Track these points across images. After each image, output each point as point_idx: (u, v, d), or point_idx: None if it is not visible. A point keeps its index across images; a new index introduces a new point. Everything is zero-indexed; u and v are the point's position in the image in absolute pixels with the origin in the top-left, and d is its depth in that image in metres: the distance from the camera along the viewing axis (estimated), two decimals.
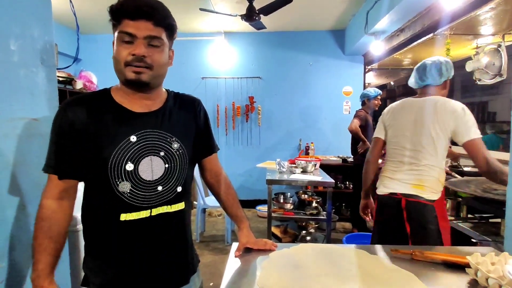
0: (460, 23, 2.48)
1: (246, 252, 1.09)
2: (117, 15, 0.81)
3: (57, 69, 1.76)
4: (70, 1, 1.41)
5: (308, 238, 3.12)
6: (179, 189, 0.92)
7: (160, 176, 0.87)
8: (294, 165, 3.10)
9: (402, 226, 1.55)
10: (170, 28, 0.85)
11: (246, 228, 1.12)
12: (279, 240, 3.18)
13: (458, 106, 1.49)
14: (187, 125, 0.97)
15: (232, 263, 1.02)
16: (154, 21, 0.80)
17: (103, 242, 0.88)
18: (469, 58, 2.67)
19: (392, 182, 1.61)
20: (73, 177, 0.85)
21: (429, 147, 1.52)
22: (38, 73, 1.14)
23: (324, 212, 2.79)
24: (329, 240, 2.71)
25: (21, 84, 1.08)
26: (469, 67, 2.64)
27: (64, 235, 0.87)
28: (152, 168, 0.86)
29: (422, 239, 1.50)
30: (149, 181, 0.86)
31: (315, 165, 3.08)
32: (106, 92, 0.89)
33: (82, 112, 0.82)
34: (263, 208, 4.20)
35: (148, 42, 0.81)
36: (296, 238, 3.18)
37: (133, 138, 0.84)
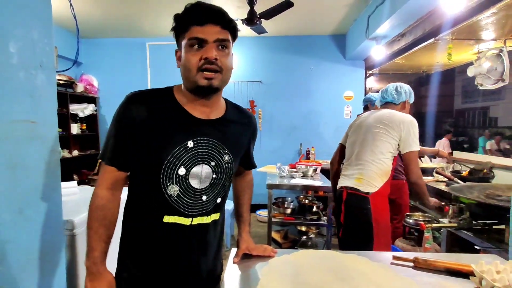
0: (461, 28, 2.48)
1: (245, 258, 1.07)
2: (184, 22, 0.81)
3: (57, 72, 1.76)
4: (71, 5, 1.41)
5: (309, 243, 3.09)
6: (219, 200, 0.93)
7: (207, 186, 0.88)
8: (294, 170, 3.08)
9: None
10: (234, 31, 0.86)
11: (246, 232, 1.11)
12: (279, 245, 3.15)
13: (407, 117, 1.67)
14: (241, 140, 0.98)
15: (231, 270, 1.00)
16: (222, 25, 0.82)
17: (141, 239, 0.89)
18: (471, 63, 2.66)
19: (343, 178, 1.80)
20: (127, 169, 0.87)
21: (371, 145, 1.70)
22: (37, 76, 1.13)
23: (325, 217, 2.77)
24: (329, 245, 2.68)
25: (20, 86, 1.08)
26: (470, 72, 2.63)
27: (115, 223, 0.89)
28: (201, 176, 0.86)
29: (353, 230, 1.68)
30: (196, 188, 0.86)
31: (316, 169, 3.06)
32: (169, 92, 0.89)
33: (145, 109, 0.83)
34: (263, 213, 4.17)
35: (218, 45, 0.81)
36: (296, 243, 3.16)
37: (190, 144, 0.84)
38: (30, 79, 1.11)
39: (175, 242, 0.88)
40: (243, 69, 4.67)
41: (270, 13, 2.94)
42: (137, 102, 0.84)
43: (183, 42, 0.82)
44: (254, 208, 4.43)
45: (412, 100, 1.86)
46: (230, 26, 0.84)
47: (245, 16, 3.05)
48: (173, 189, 0.84)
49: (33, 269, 1.09)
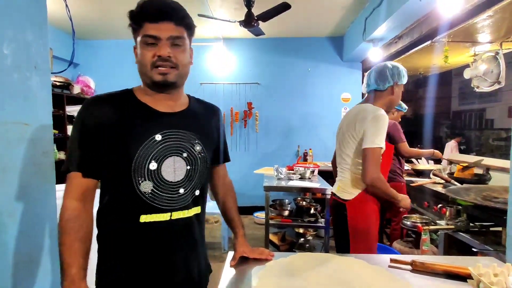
0: (458, 30, 2.49)
1: (242, 261, 1.06)
2: (138, 19, 0.81)
3: (53, 73, 1.75)
4: (66, 5, 1.40)
5: (307, 245, 3.08)
6: (197, 192, 0.91)
7: (182, 178, 0.86)
8: (292, 172, 3.08)
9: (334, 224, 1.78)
10: (190, 27, 0.86)
11: (241, 236, 1.10)
12: (276, 247, 3.14)
13: (370, 113, 1.50)
14: (210, 130, 0.97)
15: (228, 273, 0.99)
16: (175, 21, 0.81)
17: (119, 245, 0.85)
18: (467, 66, 2.67)
19: (335, 184, 1.80)
20: (96, 176, 0.83)
21: (340, 151, 1.67)
22: (31, 78, 1.12)
23: (322, 219, 2.76)
24: (327, 247, 2.67)
25: (14, 88, 1.06)
26: (467, 74, 2.65)
27: (91, 236, 0.84)
28: (174, 169, 0.85)
29: (336, 235, 1.74)
30: (171, 182, 0.84)
31: (313, 171, 3.05)
32: (129, 92, 0.89)
33: (106, 110, 0.82)
34: (260, 215, 4.15)
35: (172, 42, 0.82)
36: (294, 246, 3.14)
37: (158, 137, 0.83)
38: (24, 81, 1.09)
39: (156, 242, 0.85)
40: (241, 71, 4.67)
41: (267, 15, 2.94)
42: (98, 104, 0.83)
43: (138, 39, 0.83)
44: (251, 210, 4.41)
45: (403, 80, 1.58)
46: (184, 22, 0.84)
47: (242, 18, 3.05)
48: (146, 186, 0.82)
49: (23, 274, 1.07)
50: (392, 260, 1.06)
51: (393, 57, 3.62)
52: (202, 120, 0.95)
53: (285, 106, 4.65)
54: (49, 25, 1.21)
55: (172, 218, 0.85)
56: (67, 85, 4.05)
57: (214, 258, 3.09)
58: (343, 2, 3.37)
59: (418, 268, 1.00)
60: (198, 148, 0.89)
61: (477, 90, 2.69)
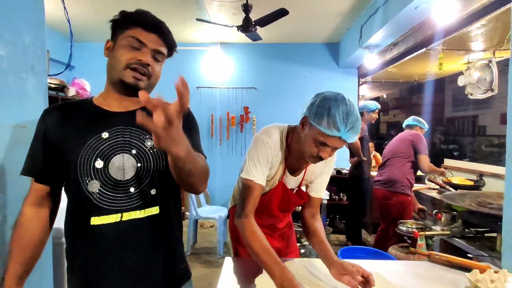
0: (452, 38, 2.53)
1: (238, 265, 1.05)
2: (132, 20, 0.84)
3: (49, 75, 1.73)
4: (65, 8, 1.39)
5: (302, 250, 3.06)
6: (153, 191, 0.84)
7: (132, 176, 0.82)
8: None
9: None
10: (171, 48, 0.91)
11: None
12: None
13: None
14: None
15: (225, 279, 0.98)
16: (162, 38, 0.86)
17: (73, 250, 0.84)
18: (461, 73, 2.71)
19: None
20: (46, 182, 0.85)
21: None
22: (28, 80, 1.11)
23: None
24: None
25: (10, 90, 1.05)
26: (461, 81, 2.69)
27: (37, 244, 0.85)
28: (123, 167, 0.81)
29: None
30: (120, 181, 0.81)
31: None
32: (88, 99, 0.90)
33: (57, 118, 0.84)
34: None
35: (153, 54, 0.85)
36: None
37: (104, 135, 0.82)
38: (20, 83, 1.09)
39: (106, 246, 0.80)
40: (238, 75, 4.68)
41: (265, 21, 2.96)
42: (51, 112, 0.86)
43: (122, 36, 0.84)
44: None
45: (322, 124, 1.02)
46: (169, 44, 0.89)
47: (240, 23, 3.07)
48: (94, 185, 0.79)
49: None
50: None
51: (388, 63, 3.66)
52: None
53: (282, 111, 4.67)
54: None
55: (123, 219, 0.80)
56: (62, 88, 4.01)
57: (210, 263, 3.07)
58: (339, 9, 3.41)
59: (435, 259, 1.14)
60: (149, 143, 0.84)
61: (470, 97, 2.72)
